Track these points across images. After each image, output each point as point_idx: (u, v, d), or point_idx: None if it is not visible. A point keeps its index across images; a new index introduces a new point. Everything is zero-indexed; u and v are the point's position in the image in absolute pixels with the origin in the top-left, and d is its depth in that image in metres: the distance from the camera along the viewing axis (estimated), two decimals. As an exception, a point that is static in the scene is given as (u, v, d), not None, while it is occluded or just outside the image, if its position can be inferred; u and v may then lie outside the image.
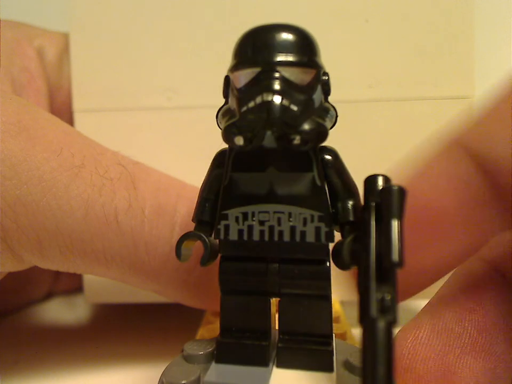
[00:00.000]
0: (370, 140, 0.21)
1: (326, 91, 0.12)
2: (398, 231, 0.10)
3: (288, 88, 0.11)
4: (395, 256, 0.10)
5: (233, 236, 0.12)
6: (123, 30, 0.21)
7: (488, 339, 0.13)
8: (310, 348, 0.12)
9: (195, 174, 0.21)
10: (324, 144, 0.12)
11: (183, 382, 0.12)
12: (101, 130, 0.22)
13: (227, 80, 0.12)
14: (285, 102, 0.11)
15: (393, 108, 0.21)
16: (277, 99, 0.11)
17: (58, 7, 0.25)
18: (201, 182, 0.22)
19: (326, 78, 0.12)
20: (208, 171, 0.13)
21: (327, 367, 0.12)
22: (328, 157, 0.12)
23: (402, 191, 0.11)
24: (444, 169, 0.13)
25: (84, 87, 0.22)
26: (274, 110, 0.11)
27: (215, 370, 0.12)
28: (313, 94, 0.11)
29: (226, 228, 0.12)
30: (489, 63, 0.30)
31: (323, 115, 0.12)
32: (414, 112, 0.21)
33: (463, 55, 0.20)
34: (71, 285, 0.27)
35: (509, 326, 0.13)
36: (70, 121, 0.22)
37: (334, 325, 0.18)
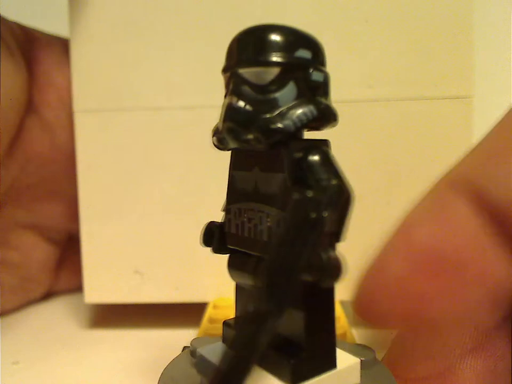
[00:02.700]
0: (370, 139, 0.21)
1: (312, 88, 0.11)
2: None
3: (248, 89, 0.11)
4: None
5: (232, 229, 0.13)
6: (123, 30, 0.21)
7: (488, 339, 0.13)
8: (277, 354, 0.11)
9: (195, 174, 0.22)
10: (326, 140, 0.12)
11: None
12: (101, 130, 0.22)
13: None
14: (240, 104, 0.11)
15: (393, 108, 0.21)
16: (234, 101, 0.11)
17: (58, 7, 0.25)
18: (201, 182, 0.22)
19: (308, 73, 0.11)
20: None
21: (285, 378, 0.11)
22: (309, 157, 0.11)
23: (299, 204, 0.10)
24: (452, 209, 0.12)
25: (84, 87, 0.22)
26: (228, 112, 0.11)
27: (213, 347, 0.12)
28: (276, 92, 0.11)
29: (229, 221, 0.13)
30: (489, 63, 0.30)
31: (288, 112, 0.11)
32: (414, 112, 0.21)
33: (462, 55, 0.20)
34: (71, 284, 0.28)
35: (509, 326, 0.13)
36: (70, 121, 0.22)
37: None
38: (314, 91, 0.12)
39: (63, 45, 0.23)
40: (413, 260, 0.12)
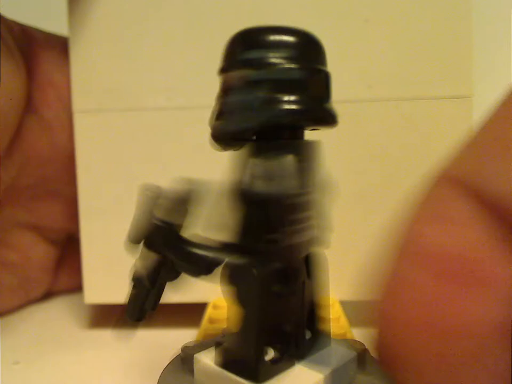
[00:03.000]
0: (370, 139, 0.21)
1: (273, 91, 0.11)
2: None
3: (224, 94, 0.12)
4: None
5: None
6: (123, 30, 0.21)
7: (488, 339, 0.12)
8: None
9: (195, 174, 0.22)
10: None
11: None
12: (101, 130, 0.22)
13: None
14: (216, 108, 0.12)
15: (393, 108, 0.21)
16: None
17: (57, 7, 0.25)
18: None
19: (251, 75, 0.11)
20: None
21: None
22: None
23: None
24: (453, 209, 0.11)
25: (84, 87, 0.22)
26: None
27: (210, 352, 0.12)
28: (230, 95, 0.11)
29: None
30: (488, 63, 0.30)
31: (228, 114, 0.11)
32: (414, 112, 0.21)
33: (462, 55, 0.20)
34: (71, 284, 0.28)
35: (509, 326, 0.13)
36: (69, 121, 0.22)
37: (333, 325, 0.18)
38: (261, 91, 0.11)
39: (62, 44, 0.23)
40: (430, 267, 0.11)
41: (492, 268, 0.11)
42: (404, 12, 0.20)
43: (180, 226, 0.12)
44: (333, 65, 0.21)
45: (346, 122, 0.21)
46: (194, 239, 0.12)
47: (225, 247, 0.12)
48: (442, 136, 0.21)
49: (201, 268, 0.12)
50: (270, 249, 0.11)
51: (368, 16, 0.20)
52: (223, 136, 0.12)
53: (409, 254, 0.12)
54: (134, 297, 0.13)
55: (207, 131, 0.12)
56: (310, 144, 0.12)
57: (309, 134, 0.12)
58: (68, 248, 0.27)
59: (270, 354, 0.12)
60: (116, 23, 0.21)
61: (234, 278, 0.12)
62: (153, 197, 0.13)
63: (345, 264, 0.20)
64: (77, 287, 0.26)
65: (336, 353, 0.12)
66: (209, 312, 0.20)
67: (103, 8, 0.21)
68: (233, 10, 0.21)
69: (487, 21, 0.31)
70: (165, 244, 0.13)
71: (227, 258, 0.11)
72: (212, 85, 0.12)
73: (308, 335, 0.12)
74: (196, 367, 0.12)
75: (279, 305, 0.12)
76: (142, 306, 0.13)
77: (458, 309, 0.11)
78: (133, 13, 0.21)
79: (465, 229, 0.11)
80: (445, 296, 0.11)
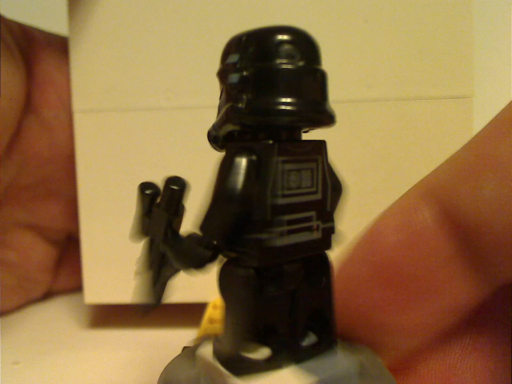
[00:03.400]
0: (370, 139, 0.21)
1: (228, 91, 0.11)
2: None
3: (220, 96, 0.12)
4: None
5: None
6: (123, 30, 0.21)
7: (488, 339, 0.13)
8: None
9: (195, 174, 0.21)
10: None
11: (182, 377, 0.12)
12: (101, 130, 0.22)
13: None
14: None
15: (393, 108, 0.21)
16: None
17: (57, 6, 0.25)
18: (201, 182, 0.22)
19: (227, 78, 0.11)
20: None
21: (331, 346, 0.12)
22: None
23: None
24: (418, 219, 0.12)
25: (83, 87, 0.22)
26: None
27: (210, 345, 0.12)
28: (222, 96, 0.12)
29: None
30: (488, 63, 0.30)
31: (219, 115, 0.12)
32: (414, 112, 0.21)
33: (462, 55, 0.20)
34: (71, 284, 0.28)
35: (509, 326, 0.13)
36: (69, 121, 0.22)
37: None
38: (231, 93, 0.11)
39: (62, 44, 0.23)
40: (371, 269, 0.12)
41: (437, 284, 0.12)
42: (404, 12, 0.20)
43: (175, 222, 0.13)
44: (333, 65, 0.21)
45: (346, 122, 0.21)
46: (185, 235, 0.12)
47: (210, 244, 0.12)
48: (442, 136, 0.21)
49: (190, 262, 0.12)
50: (253, 248, 0.11)
51: (368, 16, 0.20)
52: (209, 137, 0.12)
53: (364, 255, 0.13)
54: (140, 293, 0.13)
55: (206, 131, 0.12)
56: (308, 145, 0.11)
57: (307, 135, 0.12)
58: (67, 248, 0.27)
59: (263, 352, 0.12)
60: (116, 23, 0.21)
61: (220, 273, 0.12)
62: (152, 194, 0.13)
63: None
64: (77, 287, 0.26)
65: (337, 364, 0.12)
66: (209, 312, 0.20)
67: (103, 8, 0.21)
68: (233, 11, 0.21)
69: (487, 21, 0.31)
70: (162, 239, 0.13)
71: (210, 254, 0.12)
72: (212, 85, 0.12)
73: (313, 340, 0.12)
74: (197, 356, 0.12)
75: (265, 305, 0.11)
76: (149, 301, 0.13)
77: (390, 313, 0.12)
78: (133, 13, 0.21)
79: (424, 242, 0.12)
80: (381, 300, 0.12)
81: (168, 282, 0.13)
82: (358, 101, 0.21)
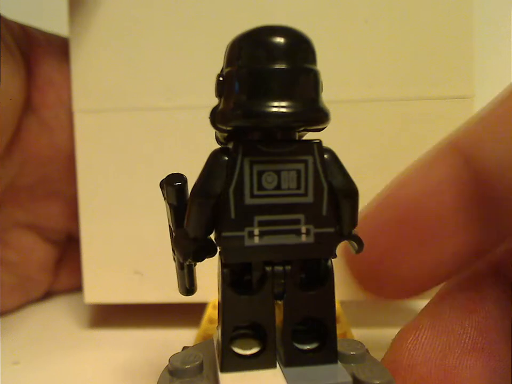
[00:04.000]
0: (370, 139, 0.21)
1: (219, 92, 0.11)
2: None
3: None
4: None
5: None
6: (123, 30, 0.21)
7: (488, 339, 0.13)
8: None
9: (195, 174, 0.21)
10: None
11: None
12: (101, 130, 0.22)
13: None
14: None
15: (393, 108, 0.21)
16: None
17: (57, 7, 0.25)
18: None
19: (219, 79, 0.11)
20: None
21: (332, 359, 0.12)
22: None
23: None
24: (437, 171, 0.13)
25: (84, 87, 0.22)
26: None
27: (227, 380, 0.11)
28: (220, 96, 0.12)
29: None
30: (489, 63, 0.30)
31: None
32: (414, 112, 0.21)
33: (463, 55, 0.20)
34: (70, 284, 0.28)
35: (509, 326, 0.13)
36: (69, 121, 0.22)
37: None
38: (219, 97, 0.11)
39: (62, 45, 0.23)
40: (393, 213, 0.14)
41: (449, 231, 0.13)
42: (404, 12, 0.20)
43: (178, 215, 0.13)
44: (333, 65, 0.21)
45: (347, 122, 0.21)
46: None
47: (193, 238, 0.12)
48: (442, 136, 0.21)
49: (179, 253, 0.12)
50: (221, 246, 0.11)
51: (368, 17, 0.20)
52: (216, 139, 0.12)
53: (383, 204, 0.14)
54: (177, 277, 0.14)
55: (207, 131, 0.12)
56: (293, 145, 0.11)
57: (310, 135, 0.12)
58: (67, 248, 0.27)
59: (252, 349, 0.12)
60: (116, 23, 0.21)
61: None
62: (178, 186, 0.14)
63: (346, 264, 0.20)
64: (76, 287, 0.26)
65: (329, 373, 0.11)
66: (209, 312, 0.20)
67: (103, 8, 0.21)
68: (233, 11, 0.21)
69: (488, 21, 0.31)
70: (169, 230, 0.14)
71: (194, 247, 0.12)
72: (212, 85, 0.12)
73: (313, 346, 0.12)
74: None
75: (244, 304, 0.12)
76: (184, 284, 0.14)
77: (399, 259, 0.13)
78: (133, 13, 0.21)
79: (439, 190, 0.13)
80: (390, 247, 0.13)
81: (191, 267, 0.14)
82: (358, 101, 0.21)
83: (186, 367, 0.12)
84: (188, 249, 0.12)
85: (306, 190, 0.11)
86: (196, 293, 0.22)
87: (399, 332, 0.14)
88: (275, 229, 0.11)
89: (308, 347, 0.12)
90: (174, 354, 0.12)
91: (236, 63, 0.11)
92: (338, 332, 0.17)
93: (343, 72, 0.21)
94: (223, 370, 0.11)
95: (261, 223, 0.11)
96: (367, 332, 0.20)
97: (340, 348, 0.12)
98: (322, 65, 0.12)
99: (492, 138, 0.12)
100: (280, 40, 0.10)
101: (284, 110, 0.10)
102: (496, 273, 0.14)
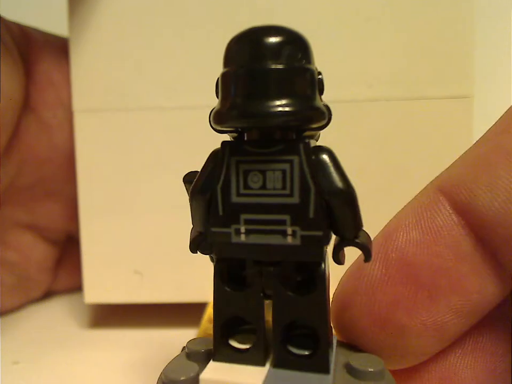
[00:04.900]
0: (370, 139, 0.21)
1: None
2: None
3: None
4: None
5: None
6: (123, 30, 0.21)
7: (488, 339, 0.13)
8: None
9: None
10: None
11: (181, 378, 0.12)
12: (101, 130, 0.22)
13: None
14: None
15: (393, 108, 0.21)
16: None
17: (57, 7, 0.25)
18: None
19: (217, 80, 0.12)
20: None
21: (323, 369, 0.11)
22: None
23: None
24: (421, 219, 0.12)
25: (84, 86, 0.22)
26: None
27: (212, 368, 0.12)
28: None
29: None
30: (489, 63, 0.30)
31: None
32: (414, 112, 0.21)
33: (463, 55, 0.20)
34: (70, 284, 0.28)
35: (509, 326, 0.13)
36: (68, 121, 0.22)
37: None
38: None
39: (61, 44, 0.23)
40: (389, 265, 0.12)
41: (450, 280, 0.12)
42: (405, 12, 0.20)
43: None
44: (333, 65, 0.21)
45: (347, 122, 0.21)
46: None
47: (202, 234, 0.12)
48: (442, 136, 0.21)
49: (190, 246, 0.13)
50: (219, 242, 0.12)
51: (369, 16, 0.20)
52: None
53: (380, 252, 0.12)
54: None
55: (207, 131, 0.12)
56: (279, 145, 0.11)
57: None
58: (67, 248, 0.27)
59: (246, 344, 0.12)
60: (116, 23, 0.21)
61: None
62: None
63: (345, 265, 0.20)
64: (77, 287, 0.26)
65: (311, 383, 0.11)
66: (209, 312, 0.20)
67: (103, 8, 0.21)
68: (233, 11, 0.21)
69: (488, 21, 0.31)
70: None
71: (199, 240, 0.12)
72: (212, 85, 0.12)
73: (305, 351, 0.12)
74: None
75: (234, 300, 0.12)
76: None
77: (408, 312, 0.12)
78: (133, 13, 0.21)
79: (441, 238, 0.12)
80: (398, 298, 0.12)
81: None
82: (358, 101, 0.21)
83: (202, 351, 0.13)
84: (195, 242, 0.12)
85: (292, 191, 0.11)
86: (196, 293, 0.22)
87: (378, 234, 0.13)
88: (261, 228, 0.11)
89: (301, 352, 0.12)
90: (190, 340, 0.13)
91: (230, 63, 0.11)
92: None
93: (344, 72, 0.21)
94: (215, 359, 0.12)
95: (247, 222, 0.11)
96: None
97: (355, 363, 0.12)
98: (323, 65, 0.12)
99: (483, 181, 0.11)
100: (274, 39, 0.10)
101: (279, 109, 0.10)
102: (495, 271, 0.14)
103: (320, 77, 0.11)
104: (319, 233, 0.11)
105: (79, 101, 0.22)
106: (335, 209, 0.11)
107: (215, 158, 0.12)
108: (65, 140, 0.23)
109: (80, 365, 0.19)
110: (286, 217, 0.11)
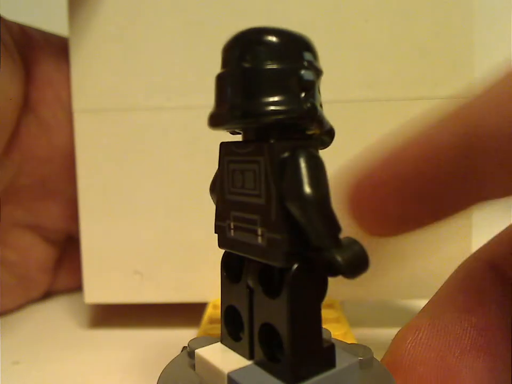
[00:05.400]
0: (370, 140, 0.21)
1: None
2: None
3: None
4: None
5: None
6: (123, 30, 0.21)
7: (488, 339, 0.13)
8: None
9: (195, 174, 0.22)
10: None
11: None
12: (101, 130, 0.22)
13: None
14: None
15: (393, 108, 0.21)
16: None
17: (57, 7, 0.25)
18: (201, 182, 0.22)
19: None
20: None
21: (286, 379, 0.11)
22: None
23: None
24: (435, 137, 0.13)
25: (84, 86, 0.22)
26: None
27: (211, 347, 0.13)
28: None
29: None
30: (489, 63, 0.30)
31: None
32: (414, 112, 0.21)
33: (463, 55, 0.20)
34: (70, 284, 0.28)
35: (509, 326, 0.13)
36: (67, 121, 0.22)
37: (333, 325, 0.18)
38: None
39: (61, 44, 0.23)
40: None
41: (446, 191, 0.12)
42: (404, 12, 0.20)
43: None
44: (333, 65, 0.21)
45: (347, 122, 0.21)
46: None
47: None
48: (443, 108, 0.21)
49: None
50: (219, 235, 0.12)
51: (368, 16, 0.20)
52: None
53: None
54: None
55: (207, 131, 0.12)
56: (251, 146, 0.11)
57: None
58: (67, 248, 0.27)
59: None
60: (116, 23, 0.21)
61: None
62: None
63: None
64: (77, 287, 0.26)
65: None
66: (209, 312, 0.20)
67: (103, 8, 0.21)
68: (233, 11, 0.21)
69: (488, 21, 0.31)
70: None
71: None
72: (212, 85, 0.12)
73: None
74: None
75: (230, 290, 0.12)
76: None
77: None
78: (133, 13, 0.21)
79: (443, 152, 0.12)
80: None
81: None
82: (358, 101, 0.21)
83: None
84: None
85: (260, 192, 0.11)
86: (196, 293, 0.22)
87: (398, 332, 0.14)
88: (242, 226, 0.12)
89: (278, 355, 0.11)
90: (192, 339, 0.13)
91: (225, 65, 0.11)
92: (339, 332, 0.17)
93: (343, 72, 0.21)
94: (221, 342, 0.13)
95: (234, 218, 0.12)
96: (367, 331, 0.20)
97: (346, 352, 0.12)
98: (322, 65, 0.12)
99: (498, 106, 0.12)
100: (270, 39, 0.11)
101: (272, 107, 0.10)
102: (494, 272, 0.14)
103: (308, 78, 0.11)
104: (279, 236, 0.10)
105: (79, 101, 0.22)
106: (295, 214, 0.10)
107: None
108: (65, 140, 0.23)
109: (80, 365, 0.19)
110: (257, 218, 0.11)
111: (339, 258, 0.10)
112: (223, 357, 0.12)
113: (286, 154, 0.11)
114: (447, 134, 0.13)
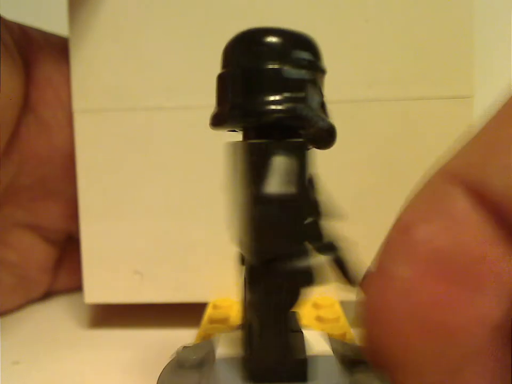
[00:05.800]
0: (370, 139, 0.21)
1: None
2: None
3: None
4: None
5: None
6: (123, 30, 0.21)
7: (488, 339, 0.12)
8: None
9: (195, 174, 0.22)
10: None
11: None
12: (101, 130, 0.22)
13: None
14: None
15: (393, 108, 0.21)
16: None
17: (57, 7, 0.25)
18: (201, 183, 0.22)
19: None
20: None
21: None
22: None
23: None
24: (438, 207, 0.11)
25: (84, 86, 0.22)
26: None
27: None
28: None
29: None
30: (489, 63, 0.30)
31: None
32: (414, 112, 0.21)
33: (463, 55, 0.20)
34: (70, 284, 0.28)
35: (509, 326, 0.13)
36: (67, 121, 0.22)
37: (333, 325, 0.18)
38: None
39: (61, 44, 0.23)
40: (418, 262, 0.11)
41: (488, 266, 0.11)
42: (404, 12, 0.20)
43: None
44: (333, 65, 0.21)
45: (347, 122, 0.21)
46: None
47: None
48: (442, 136, 0.21)
49: None
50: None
51: (368, 16, 0.20)
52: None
53: (402, 250, 0.11)
54: None
55: (207, 131, 0.12)
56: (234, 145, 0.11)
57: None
58: (67, 248, 0.27)
59: None
60: (116, 23, 0.21)
61: None
62: None
63: (345, 264, 0.20)
64: (77, 287, 0.26)
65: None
66: (209, 312, 0.20)
67: (103, 8, 0.21)
68: (233, 10, 0.21)
69: (488, 20, 0.31)
70: None
71: None
72: (212, 85, 0.12)
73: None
74: None
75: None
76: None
77: (453, 309, 0.11)
78: (133, 13, 0.21)
79: (464, 225, 0.11)
80: (439, 296, 0.11)
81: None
82: (358, 101, 0.21)
83: (193, 357, 0.13)
84: None
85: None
86: (196, 293, 0.22)
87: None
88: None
89: None
90: (182, 347, 0.13)
91: (226, 65, 0.11)
92: (338, 332, 0.17)
93: (343, 72, 0.21)
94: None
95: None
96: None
97: (348, 352, 0.12)
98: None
99: (499, 164, 0.10)
100: (269, 40, 0.11)
101: (273, 106, 0.10)
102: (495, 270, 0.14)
103: (296, 77, 0.11)
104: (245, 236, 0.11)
105: (79, 101, 0.22)
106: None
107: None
108: (65, 140, 0.23)
109: (80, 364, 0.19)
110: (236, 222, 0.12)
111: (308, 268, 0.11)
112: (230, 344, 0.13)
113: (277, 155, 0.11)
114: (454, 199, 0.11)
